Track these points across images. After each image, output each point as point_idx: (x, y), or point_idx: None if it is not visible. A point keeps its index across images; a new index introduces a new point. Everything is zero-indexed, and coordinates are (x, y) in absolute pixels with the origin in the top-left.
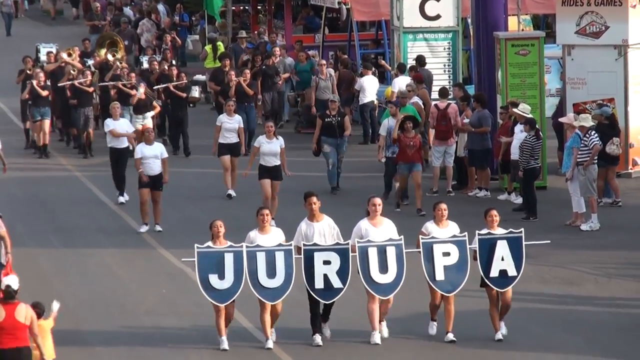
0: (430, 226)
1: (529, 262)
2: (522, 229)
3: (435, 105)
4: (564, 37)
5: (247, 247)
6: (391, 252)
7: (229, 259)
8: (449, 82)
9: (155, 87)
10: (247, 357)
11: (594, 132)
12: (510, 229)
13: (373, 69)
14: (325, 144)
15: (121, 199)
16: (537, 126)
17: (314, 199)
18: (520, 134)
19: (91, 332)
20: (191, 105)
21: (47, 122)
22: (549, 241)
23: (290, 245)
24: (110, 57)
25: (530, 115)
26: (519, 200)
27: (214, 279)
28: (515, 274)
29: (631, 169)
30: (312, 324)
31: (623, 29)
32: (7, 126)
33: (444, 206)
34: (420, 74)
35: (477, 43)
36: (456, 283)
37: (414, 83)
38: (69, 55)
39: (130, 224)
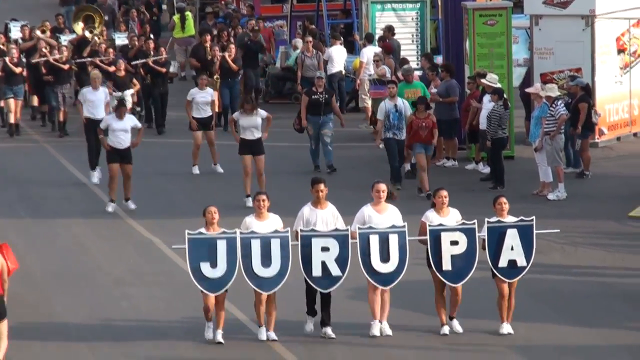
0: (430, 215)
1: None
2: (534, 217)
3: (396, 76)
4: (532, 7)
5: (241, 233)
6: (394, 240)
7: (221, 246)
8: (417, 52)
9: (134, 63)
10: (236, 347)
11: (560, 102)
12: (521, 217)
13: (341, 39)
14: (309, 122)
15: (95, 179)
16: (504, 96)
17: (322, 185)
18: (488, 103)
19: (59, 303)
20: (169, 81)
21: (19, 102)
22: (558, 230)
23: (287, 232)
24: (88, 34)
25: (498, 85)
26: (486, 169)
27: (205, 268)
28: (525, 264)
29: (598, 138)
30: (307, 305)
31: None
32: None
33: (444, 193)
34: (389, 44)
35: (445, 13)
36: (464, 273)
37: (382, 53)
38: (43, 32)
39: (99, 195)
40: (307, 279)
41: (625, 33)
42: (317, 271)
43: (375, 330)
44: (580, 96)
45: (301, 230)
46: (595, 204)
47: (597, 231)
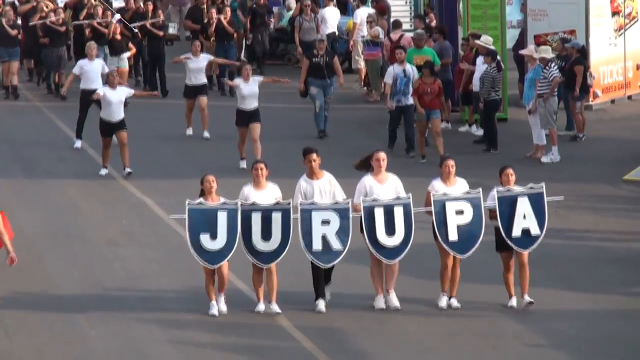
0: (437, 185)
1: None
2: (543, 184)
3: (389, 37)
4: None
5: (242, 205)
6: (399, 213)
7: (222, 218)
8: (410, 14)
9: (132, 25)
10: (239, 320)
11: (554, 64)
12: (531, 184)
13: (334, 0)
14: (312, 85)
15: (78, 144)
16: (498, 58)
17: (314, 155)
18: (481, 65)
19: (51, 264)
20: (168, 43)
21: (15, 63)
22: (562, 197)
23: (289, 204)
24: None
25: (491, 47)
26: (479, 132)
27: (205, 239)
28: (538, 232)
29: (592, 101)
30: (315, 288)
31: None
32: None
33: (451, 162)
34: (383, 5)
35: None
36: (470, 244)
37: (376, 14)
38: None
39: (94, 157)
40: (308, 254)
41: None
42: (317, 245)
43: (380, 303)
44: (576, 58)
45: (301, 204)
46: (589, 167)
47: (591, 194)
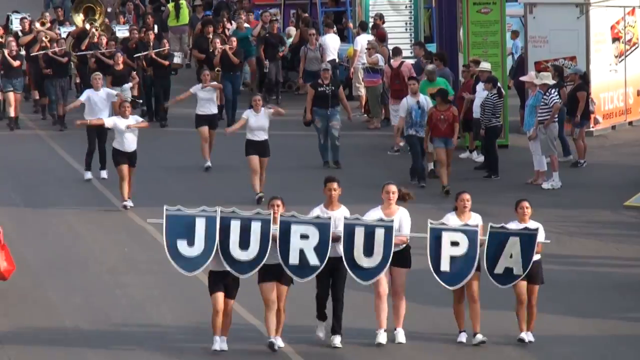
0: (452, 218)
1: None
2: (539, 227)
3: (389, 64)
4: None
5: (222, 212)
6: (379, 235)
7: (200, 225)
8: (410, 41)
9: (137, 55)
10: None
11: (554, 90)
12: (526, 226)
13: (334, 27)
14: (316, 115)
15: (88, 176)
16: (498, 84)
17: (335, 184)
18: (482, 92)
19: (52, 291)
20: (173, 72)
21: (17, 95)
22: (549, 241)
23: (269, 214)
24: (87, 26)
25: (491, 72)
26: (480, 158)
27: (182, 246)
28: (520, 272)
29: (593, 127)
30: (317, 310)
31: None
32: None
33: (467, 196)
34: (383, 32)
35: (439, 1)
36: (461, 276)
37: (376, 41)
38: (42, 24)
39: (95, 185)
40: (283, 266)
41: (620, 21)
42: (294, 260)
43: (382, 339)
44: (578, 84)
45: (281, 215)
46: (590, 193)
47: (592, 221)
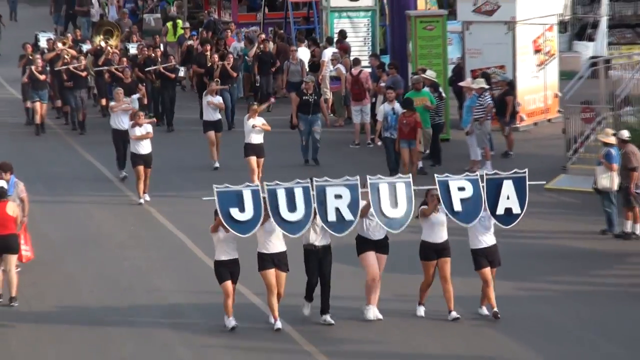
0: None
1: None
2: (527, 169)
3: (350, 73)
4: (464, 15)
5: (267, 184)
6: (401, 188)
7: (247, 194)
8: (368, 53)
9: (147, 69)
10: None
11: (487, 93)
12: (515, 169)
13: (305, 41)
14: (300, 120)
15: (122, 175)
16: (440, 89)
17: None
18: None
19: (71, 263)
20: (178, 84)
21: (44, 105)
22: (544, 182)
23: (308, 182)
24: (102, 44)
25: (435, 79)
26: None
27: (235, 212)
28: (519, 211)
29: (518, 123)
30: (307, 292)
31: (512, 7)
32: (14, 106)
33: (435, 192)
34: (346, 45)
35: (392, 20)
36: (473, 214)
37: (340, 53)
38: (64, 44)
39: (107, 175)
40: (323, 224)
41: (541, 36)
42: (332, 217)
43: (371, 314)
44: (506, 90)
45: (316, 181)
46: None
47: None
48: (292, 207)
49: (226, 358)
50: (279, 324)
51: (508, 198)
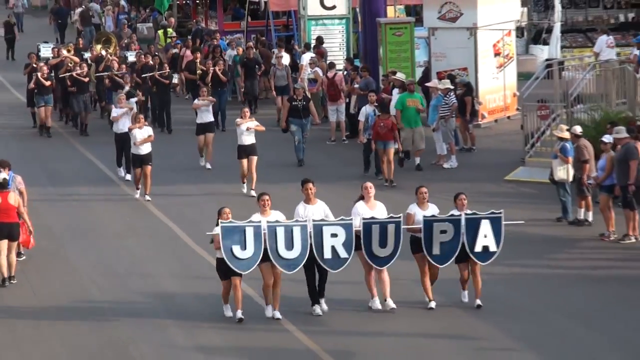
0: (414, 208)
1: (404, 193)
2: (502, 210)
3: (326, 76)
4: (429, 22)
5: (268, 222)
6: (391, 229)
7: (250, 232)
8: (343, 57)
9: (144, 76)
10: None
11: (452, 93)
12: (492, 210)
13: (285, 47)
14: (292, 124)
15: (121, 172)
16: None
17: (310, 184)
18: (396, 95)
19: (71, 250)
20: (172, 89)
21: (49, 108)
22: (523, 221)
23: (305, 221)
24: (103, 52)
25: (404, 81)
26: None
27: (236, 250)
28: (495, 249)
29: (480, 121)
30: (310, 296)
31: (473, 15)
32: (22, 109)
33: (424, 190)
34: (322, 50)
35: (364, 27)
36: (448, 257)
37: (317, 57)
38: (68, 51)
39: (104, 171)
40: (320, 262)
41: (500, 41)
42: (327, 254)
43: (376, 304)
44: (464, 92)
45: (313, 221)
46: (479, 171)
47: (481, 191)
48: (289, 245)
49: (215, 337)
50: (276, 314)
51: (485, 237)
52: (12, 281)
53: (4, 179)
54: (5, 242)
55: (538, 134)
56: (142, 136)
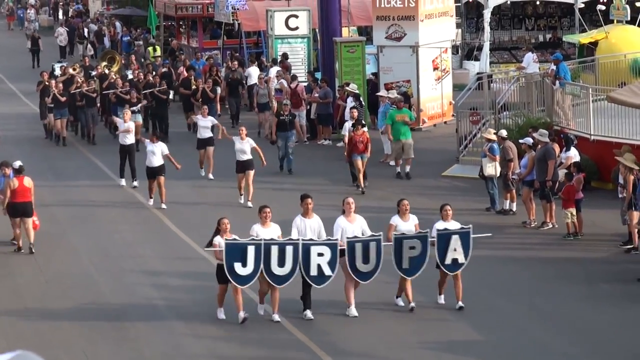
0: (396, 219)
1: (375, 198)
2: (471, 225)
3: (289, 86)
4: (378, 40)
5: (264, 240)
6: (373, 246)
7: (251, 251)
8: (305, 71)
9: (144, 92)
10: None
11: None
12: (462, 225)
13: (256, 62)
14: (278, 137)
15: (122, 183)
16: (360, 98)
17: (309, 200)
18: (350, 103)
19: (73, 236)
20: (169, 105)
21: (64, 120)
22: (490, 234)
23: (298, 240)
24: (106, 71)
25: (356, 91)
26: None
27: (238, 266)
28: (464, 261)
29: (422, 125)
30: (304, 301)
31: (415, 35)
32: (37, 124)
33: (406, 202)
34: (287, 64)
35: (322, 45)
36: (416, 270)
37: (282, 71)
38: (74, 70)
39: (104, 170)
40: (305, 277)
41: (438, 57)
42: (314, 271)
43: (353, 312)
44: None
45: (302, 239)
46: (420, 168)
47: (421, 185)
48: (281, 263)
49: (196, 308)
50: (263, 310)
51: (455, 250)
52: (33, 249)
53: (20, 165)
54: (19, 218)
55: (470, 136)
56: (156, 150)
